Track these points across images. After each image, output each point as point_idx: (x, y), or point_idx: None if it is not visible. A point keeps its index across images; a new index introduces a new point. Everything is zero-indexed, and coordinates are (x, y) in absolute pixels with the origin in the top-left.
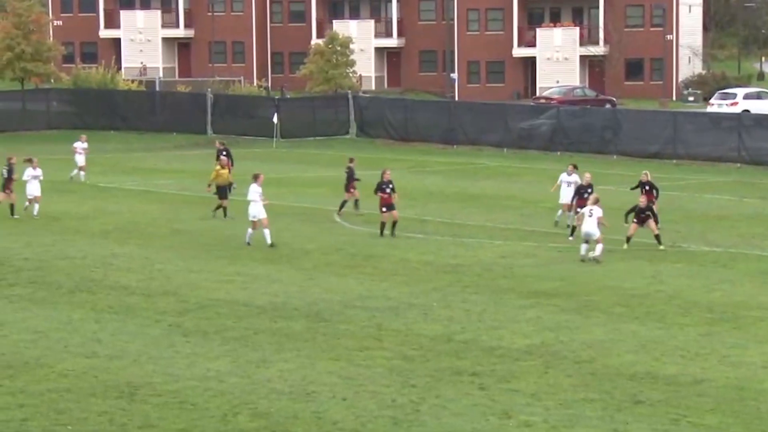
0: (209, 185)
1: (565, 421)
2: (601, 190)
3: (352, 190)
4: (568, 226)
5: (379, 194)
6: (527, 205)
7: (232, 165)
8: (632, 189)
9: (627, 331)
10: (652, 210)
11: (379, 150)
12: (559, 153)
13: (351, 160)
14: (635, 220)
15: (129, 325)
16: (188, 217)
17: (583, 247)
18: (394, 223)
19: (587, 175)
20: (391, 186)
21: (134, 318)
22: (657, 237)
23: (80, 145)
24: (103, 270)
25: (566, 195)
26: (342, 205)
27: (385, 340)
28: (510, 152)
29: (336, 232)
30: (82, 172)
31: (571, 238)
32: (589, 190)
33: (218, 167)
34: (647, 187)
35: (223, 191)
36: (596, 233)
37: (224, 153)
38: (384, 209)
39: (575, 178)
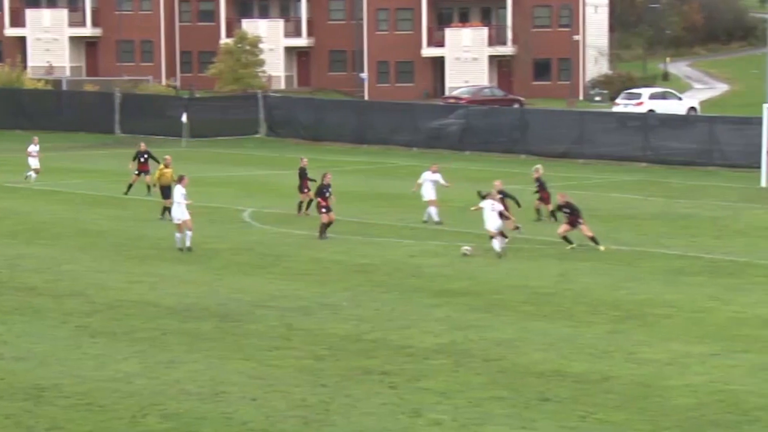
0: (154, 185)
1: (475, 419)
2: (510, 189)
3: (306, 191)
4: (435, 221)
5: (318, 198)
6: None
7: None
8: (535, 193)
9: (535, 330)
10: (571, 207)
11: (289, 150)
12: (468, 152)
13: (303, 160)
14: (566, 221)
15: (35, 327)
16: (97, 217)
17: (495, 242)
18: (328, 224)
19: (497, 183)
20: (329, 190)
21: (41, 319)
22: (592, 239)
23: (33, 149)
24: (9, 271)
25: (428, 193)
26: (300, 207)
27: (295, 340)
28: (420, 152)
29: (246, 232)
30: (33, 174)
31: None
32: (500, 196)
33: (162, 167)
34: (539, 184)
35: (166, 191)
36: (500, 226)
37: (145, 156)
38: (324, 210)
39: (438, 177)
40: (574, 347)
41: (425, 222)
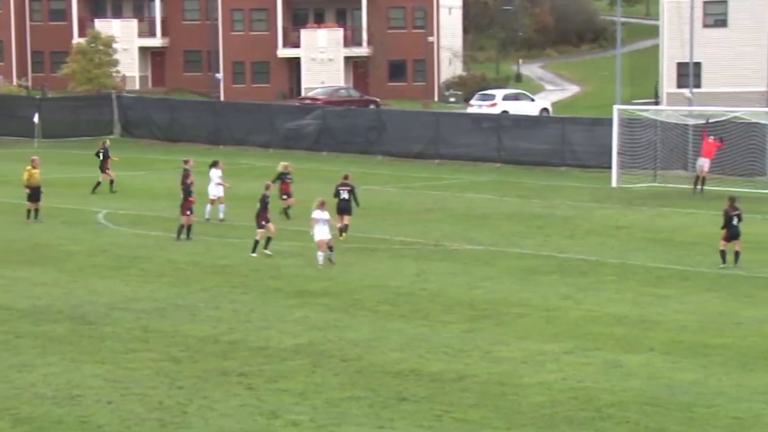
0: (25, 187)
1: (332, 419)
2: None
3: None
4: (219, 219)
5: (189, 198)
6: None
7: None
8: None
9: (392, 329)
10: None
11: (144, 150)
12: (325, 153)
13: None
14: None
15: None
16: None
17: (320, 255)
18: (190, 227)
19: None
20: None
21: None
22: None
23: None
24: None
25: (214, 190)
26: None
27: (152, 342)
28: (276, 152)
29: (101, 234)
30: None
31: (266, 251)
32: (289, 177)
33: (30, 167)
34: (290, 178)
35: (35, 193)
36: (329, 236)
37: (103, 151)
38: (188, 212)
39: (220, 172)
40: (431, 346)
41: (208, 220)
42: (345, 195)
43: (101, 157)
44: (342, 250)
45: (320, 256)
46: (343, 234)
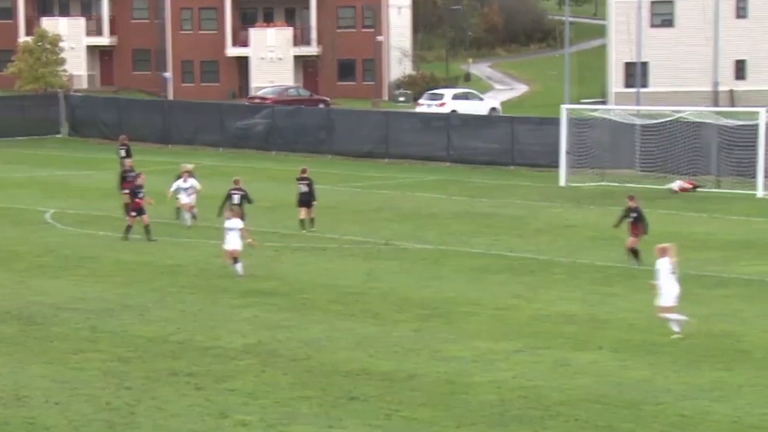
0: None
1: (282, 419)
2: (316, 189)
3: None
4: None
5: (135, 200)
6: None
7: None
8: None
9: (343, 329)
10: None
11: (92, 150)
12: (274, 152)
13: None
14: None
15: None
16: None
17: (239, 266)
18: (146, 227)
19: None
20: (143, 191)
21: None
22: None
23: None
24: None
25: (183, 198)
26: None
27: (100, 343)
28: (226, 152)
29: (49, 234)
30: None
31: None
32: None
33: None
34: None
35: None
36: (239, 247)
37: (125, 149)
38: (134, 213)
39: (191, 182)
40: (381, 346)
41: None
42: (304, 188)
43: (124, 154)
44: (291, 250)
45: (236, 266)
46: (304, 229)
